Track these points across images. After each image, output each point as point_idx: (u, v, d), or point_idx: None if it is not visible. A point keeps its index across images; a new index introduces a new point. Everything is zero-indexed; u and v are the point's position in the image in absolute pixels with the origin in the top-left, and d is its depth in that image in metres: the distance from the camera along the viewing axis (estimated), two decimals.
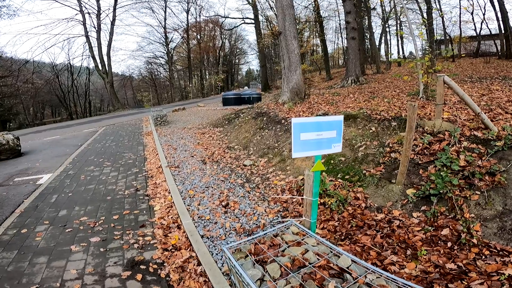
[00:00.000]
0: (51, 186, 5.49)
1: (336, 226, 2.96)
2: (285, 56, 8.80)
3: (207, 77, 39.98)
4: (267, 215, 3.51)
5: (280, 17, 8.72)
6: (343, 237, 2.78)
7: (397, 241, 2.64)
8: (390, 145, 4.25)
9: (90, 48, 26.09)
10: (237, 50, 45.96)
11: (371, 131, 4.83)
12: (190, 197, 4.28)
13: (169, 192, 4.52)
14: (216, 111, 14.89)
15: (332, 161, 4.54)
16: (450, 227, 2.75)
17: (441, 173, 3.10)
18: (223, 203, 3.91)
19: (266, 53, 30.34)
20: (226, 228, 3.32)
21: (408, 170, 3.51)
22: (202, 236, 3.20)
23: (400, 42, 26.76)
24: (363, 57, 18.10)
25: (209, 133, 9.16)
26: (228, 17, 32.67)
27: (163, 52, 34.81)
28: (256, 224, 3.34)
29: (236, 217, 3.56)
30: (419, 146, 3.84)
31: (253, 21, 27.67)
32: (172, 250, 3.10)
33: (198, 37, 36.03)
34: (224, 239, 3.12)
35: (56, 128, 16.93)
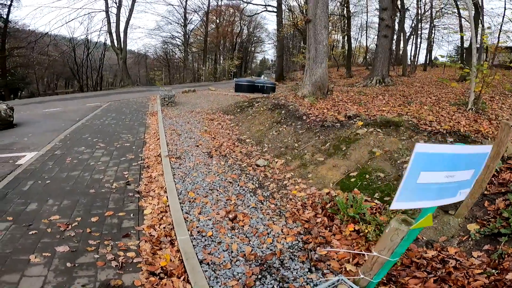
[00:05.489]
0: (30, 168, 4.66)
1: None
2: (311, 46, 7.82)
3: (221, 61, 38.83)
4: (285, 238, 2.70)
5: (312, 3, 7.67)
6: (385, 280, 2.10)
7: (456, 287, 2.02)
8: None
9: (109, 23, 25.52)
10: (255, 38, 44.39)
11: None
12: (190, 201, 3.49)
13: (165, 191, 3.74)
14: (228, 96, 13.99)
15: (367, 176, 3.68)
16: None
17: None
18: (230, 215, 3.12)
19: (284, 44, 29.00)
20: (232, 252, 2.54)
21: None
22: (201, 262, 2.42)
23: (430, 46, 25.21)
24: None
25: (218, 120, 8.33)
26: (250, 2, 30.87)
27: (180, 33, 33.72)
28: (271, 250, 2.54)
29: (246, 236, 2.77)
30: None
31: (275, 10, 26.34)
32: (161, 276, 2.33)
33: (217, 21, 34.73)
34: (229, 268, 2.34)
35: (60, 99, 16.31)
